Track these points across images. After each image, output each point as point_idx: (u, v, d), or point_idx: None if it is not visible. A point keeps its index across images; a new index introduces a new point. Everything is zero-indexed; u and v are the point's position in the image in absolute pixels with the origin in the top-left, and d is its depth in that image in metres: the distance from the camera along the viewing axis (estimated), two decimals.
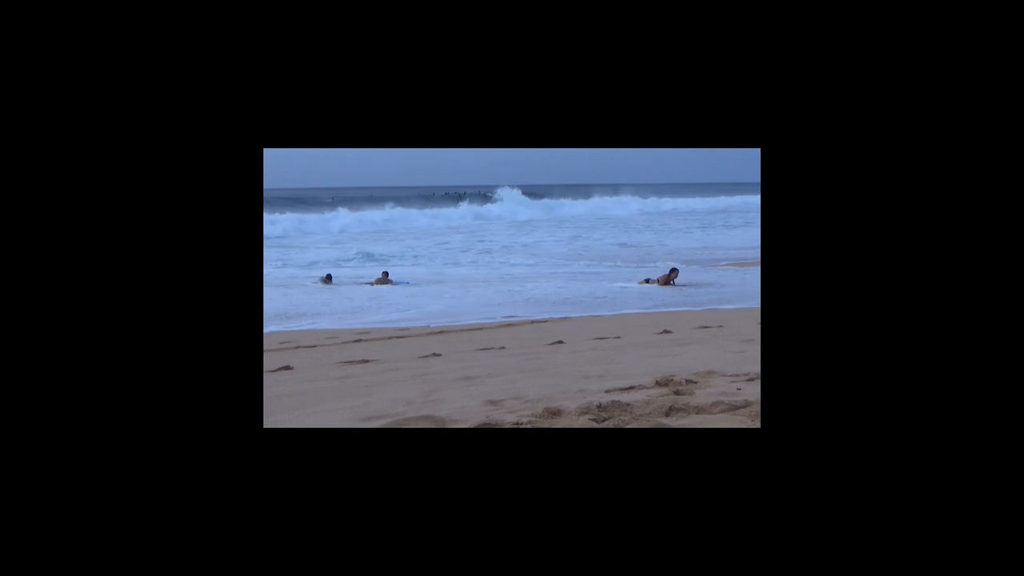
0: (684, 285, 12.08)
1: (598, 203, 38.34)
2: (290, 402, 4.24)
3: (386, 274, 13.26)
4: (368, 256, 18.20)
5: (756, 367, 4.57)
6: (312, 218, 26.93)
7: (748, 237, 21.10)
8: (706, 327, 7.03)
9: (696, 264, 15.66)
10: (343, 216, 28.30)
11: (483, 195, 42.19)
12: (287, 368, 5.55)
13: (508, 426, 3.35)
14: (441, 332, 7.70)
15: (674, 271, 12.49)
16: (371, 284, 12.91)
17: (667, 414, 3.45)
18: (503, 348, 6.24)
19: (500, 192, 40.46)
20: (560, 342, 6.40)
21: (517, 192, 40.33)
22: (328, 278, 13.31)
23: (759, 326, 6.78)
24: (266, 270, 14.56)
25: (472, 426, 3.36)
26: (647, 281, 12.40)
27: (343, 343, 7.06)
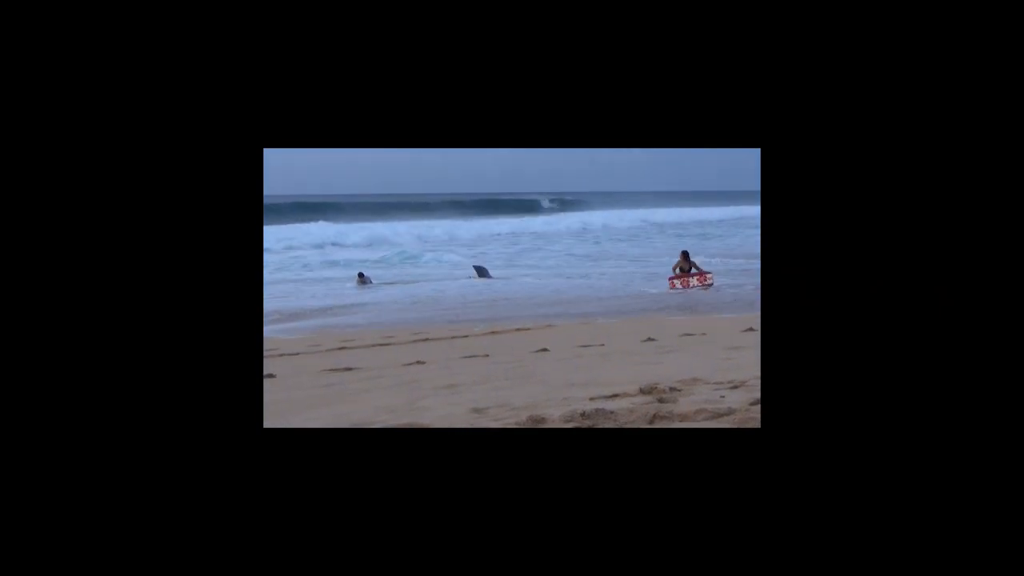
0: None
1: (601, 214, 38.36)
2: (272, 410, 4.20)
3: (483, 269, 14.44)
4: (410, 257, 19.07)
5: (740, 375, 4.58)
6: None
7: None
8: (690, 335, 7.04)
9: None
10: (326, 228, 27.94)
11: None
12: (270, 376, 5.51)
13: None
14: (426, 340, 7.68)
15: (684, 254, 12.04)
16: (471, 279, 14.05)
17: (651, 421, 3.45)
18: (487, 356, 6.22)
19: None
20: (545, 350, 6.39)
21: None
22: (361, 276, 13.47)
23: (743, 333, 6.82)
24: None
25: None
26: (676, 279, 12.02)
27: (327, 350, 7.03)
